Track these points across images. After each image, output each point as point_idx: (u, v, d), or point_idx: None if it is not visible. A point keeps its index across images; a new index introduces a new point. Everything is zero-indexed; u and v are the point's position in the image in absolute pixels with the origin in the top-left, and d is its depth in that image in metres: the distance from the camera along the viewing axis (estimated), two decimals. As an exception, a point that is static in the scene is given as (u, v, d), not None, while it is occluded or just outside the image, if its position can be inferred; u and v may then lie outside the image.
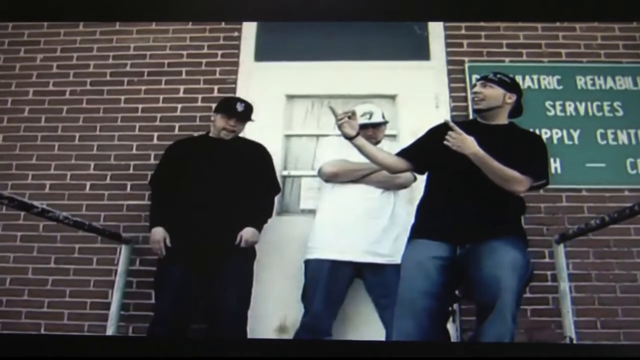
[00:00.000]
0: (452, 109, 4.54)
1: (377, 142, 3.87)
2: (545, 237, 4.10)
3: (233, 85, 4.70)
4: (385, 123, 4.07)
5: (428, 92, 4.63)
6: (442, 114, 4.40)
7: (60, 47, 4.89)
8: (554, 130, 4.44)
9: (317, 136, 4.58)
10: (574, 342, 3.56)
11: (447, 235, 3.04)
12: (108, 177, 4.47)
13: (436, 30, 4.85)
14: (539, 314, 3.99)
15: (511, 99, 3.25)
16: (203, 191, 3.75)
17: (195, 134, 4.32)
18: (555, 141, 4.40)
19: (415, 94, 4.63)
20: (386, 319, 3.65)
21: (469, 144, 2.98)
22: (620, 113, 4.49)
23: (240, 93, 4.57)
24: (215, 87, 4.68)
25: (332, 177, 3.92)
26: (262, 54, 4.88)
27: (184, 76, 4.74)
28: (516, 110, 3.33)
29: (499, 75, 3.28)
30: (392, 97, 4.67)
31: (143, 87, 4.72)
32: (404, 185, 3.90)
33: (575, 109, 4.51)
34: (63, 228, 3.91)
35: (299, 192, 4.49)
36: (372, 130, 3.94)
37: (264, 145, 4.09)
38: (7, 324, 4.12)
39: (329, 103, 3.66)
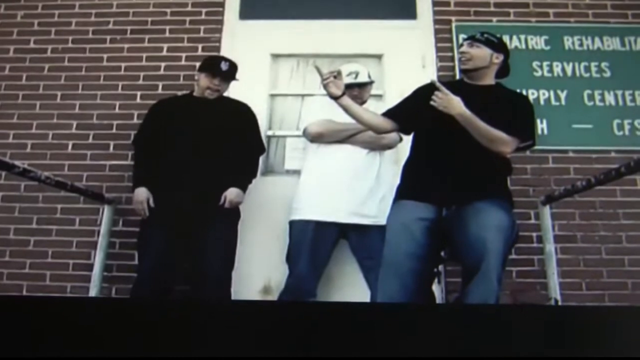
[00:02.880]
0: (439, 69, 4.51)
1: (362, 102, 3.85)
2: (530, 199, 4.11)
3: (217, 44, 4.65)
4: (371, 83, 4.04)
5: (414, 52, 4.60)
6: (428, 74, 4.38)
7: (42, 4, 4.82)
8: (541, 91, 4.43)
9: (303, 96, 4.56)
10: (559, 303, 3.57)
11: (432, 197, 3.03)
12: (90, 137, 4.43)
13: (423, -11, 4.80)
14: (524, 276, 4.01)
15: (498, 59, 3.22)
16: (187, 151, 3.71)
17: (179, 93, 4.28)
18: (542, 102, 4.39)
19: (402, 54, 4.60)
20: (371, 281, 3.66)
21: (455, 105, 2.95)
22: (608, 74, 4.48)
23: (224, 52, 4.54)
24: (199, 46, 4.63)
25: (318, 138, 3.89)
26: (247, 12, 4.82)
27: (167, 34, 4.68)
28: (503, 70, 3.30)
29: (486, 35, 3.25)
30: (378, 57, 4.64)
31: (126, 46, 4.67)
32: (389, 146, 3.89)
33: (563, 69, 4.50)
34: (45, 188, 3.88)
35: (283, 153, 4.48)
36: (358, 90, 3.92)
37: (248, 104, 4.05)
38: (-12, 285, 4.11)
39: (314, 62, 3.61)
